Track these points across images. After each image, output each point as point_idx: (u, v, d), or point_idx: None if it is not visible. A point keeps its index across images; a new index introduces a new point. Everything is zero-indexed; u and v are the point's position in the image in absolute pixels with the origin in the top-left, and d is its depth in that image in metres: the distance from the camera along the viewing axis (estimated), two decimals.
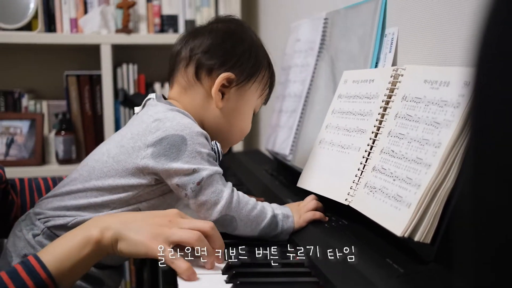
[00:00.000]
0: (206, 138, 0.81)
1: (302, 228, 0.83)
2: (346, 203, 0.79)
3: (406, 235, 0.63)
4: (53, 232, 0.81)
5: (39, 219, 0.82)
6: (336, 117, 0.91)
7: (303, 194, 0.95)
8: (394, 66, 0.83)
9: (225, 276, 0.69)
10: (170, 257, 0.66)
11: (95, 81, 1.92)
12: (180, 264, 0.66)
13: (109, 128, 1.88)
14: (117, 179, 0.79)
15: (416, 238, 0.63)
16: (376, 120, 0.80)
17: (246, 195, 0.82)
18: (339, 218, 0.84)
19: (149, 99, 0.88)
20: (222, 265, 0.71)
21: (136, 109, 0.90)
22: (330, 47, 1.16)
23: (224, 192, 0.78)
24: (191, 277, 0.66)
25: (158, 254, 0.66)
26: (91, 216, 0.78)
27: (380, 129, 0.79)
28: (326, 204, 0.87)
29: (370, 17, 0.98)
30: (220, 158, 0.84)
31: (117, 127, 1.92)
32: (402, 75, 0.78)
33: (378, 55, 0.96)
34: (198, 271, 0.68)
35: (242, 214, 0.79)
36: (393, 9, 0.93)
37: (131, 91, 1.94)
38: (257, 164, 1.40)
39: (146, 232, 0.68)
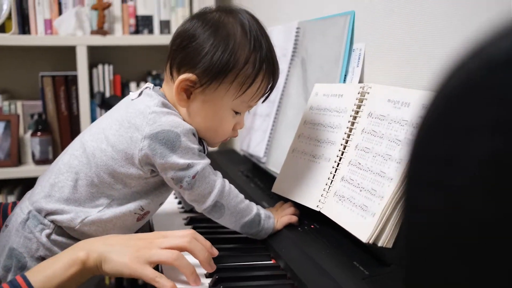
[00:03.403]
0: (194, 134, 0.85)
1: (278, 231, 0.90)
2: (317, 209, 0.87)
3: (370, 241, 0.71)
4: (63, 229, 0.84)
5: (45, 216, 0.84)
6: (308, 127, 0.98)
7: (278, 198, 1.02)
8: (361, 83, 0.90)
9: (209, 280, 0.75)
10: (153, 276, 0.70)
11: (71, 82, 1.94)
12: (164, 282, 0.70)
13: (86, 128, 1.90)
14: (117, 168, 0.83)
15: (379, 244, 0.71)
16: (345, 133, 0.88)
17: (236, 189, 0.88)
18: (311, 222, 0.92)
19: (146, 87, 0.89)
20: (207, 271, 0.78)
21: (132, 94, 0.90)
22: (301, 55, 1.22)
23: (217, 182, 0.85)
24: None
25: (142, 275, 0.70)
26: (95, 214, 0.83)
27: (348, 142, 0.86)
28: (299, 208, 0.95)
29: (340, 31, 1.05)
30: (206, 152, 0.89)
31: None
32: (368, 93, 0.86)
33: (347, 68, 1.03)
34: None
35: (231, 204, 0.85)
36: (360, 26, 1.00)
37: (107, 91, 1.97)
38: (232, 165, 1.47)
39: (128, 254, 0.72)
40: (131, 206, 0.86)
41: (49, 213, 0.84)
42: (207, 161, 0.85)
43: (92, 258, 0.72)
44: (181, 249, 0.75)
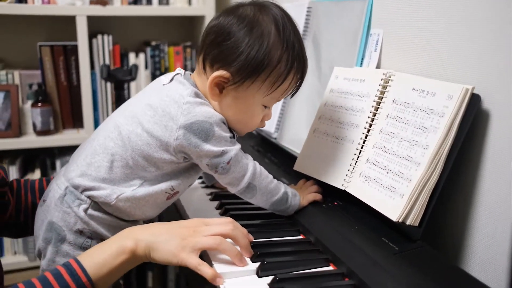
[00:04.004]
0: (224, 123, 0.90)
1: (303, 208, 0.97)
2: (342, 188, 0.93)
3: (400, 220, 0.79)
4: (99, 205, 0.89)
5: (82, 192, 0.88)
6: (329, 109, 1.04)
7: (295, 174, 1.08)
8: (384, 70, 0.95)
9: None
10: (196, 265, 0.75)
11: (70, 52, 1.92)
12: (205, 270, 0.75)
13: (87, 99, 1.91)
14: (151, 153, 0.87)
15: (408, 222, 0.79)
16: (368, 117, 0.94)
17: (265, 170, 0.94)
18: (334, 200, 0.99)
19: (177, 74, 0.93)
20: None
21: (163, 78, 0.93)
22: (313, 34, 1.26)
23: (249, 165, 0.91)
24: (217, 281, 0.75)
25: (188, 263, 0.75)
26: (129, 192, 0.88)
27: (372, 126, 0.92)
28: (320, 186, 1.01)
29: (357, 15, 1.09)
30: (235, 138, 0.94)
31: (95, 97, 1.96)
32: (392, 80, 0.91)
33: (364, 52, 1.08)
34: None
35: (262, 185, 0.92)
36: (378, 12, 1.05)
37: (107, 61, 1.97)
38: (240, 139, 1.51)
39: (174, 243, 0.76)
40: (163, 186, 0.91)
41: (86, 189, 0.89)
42: (238, 146, 0.90)
43: (140, 247, 0.77)
44: (225, 236, 0.80)
